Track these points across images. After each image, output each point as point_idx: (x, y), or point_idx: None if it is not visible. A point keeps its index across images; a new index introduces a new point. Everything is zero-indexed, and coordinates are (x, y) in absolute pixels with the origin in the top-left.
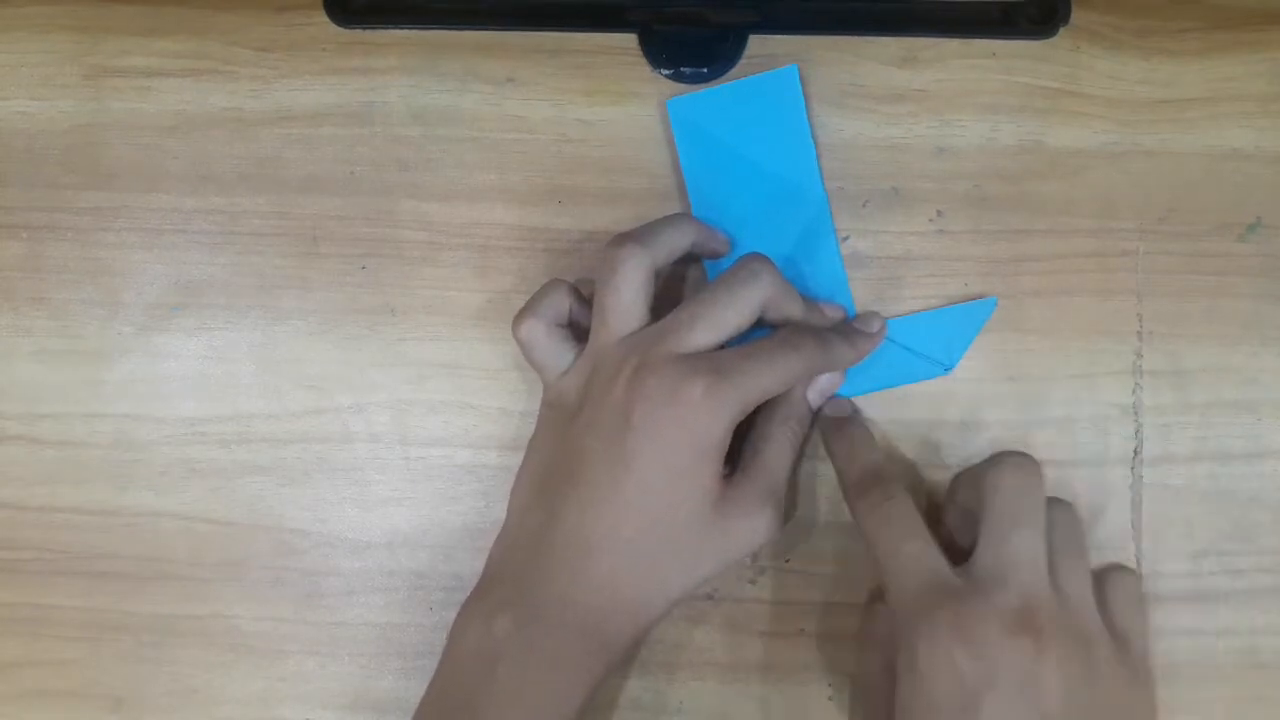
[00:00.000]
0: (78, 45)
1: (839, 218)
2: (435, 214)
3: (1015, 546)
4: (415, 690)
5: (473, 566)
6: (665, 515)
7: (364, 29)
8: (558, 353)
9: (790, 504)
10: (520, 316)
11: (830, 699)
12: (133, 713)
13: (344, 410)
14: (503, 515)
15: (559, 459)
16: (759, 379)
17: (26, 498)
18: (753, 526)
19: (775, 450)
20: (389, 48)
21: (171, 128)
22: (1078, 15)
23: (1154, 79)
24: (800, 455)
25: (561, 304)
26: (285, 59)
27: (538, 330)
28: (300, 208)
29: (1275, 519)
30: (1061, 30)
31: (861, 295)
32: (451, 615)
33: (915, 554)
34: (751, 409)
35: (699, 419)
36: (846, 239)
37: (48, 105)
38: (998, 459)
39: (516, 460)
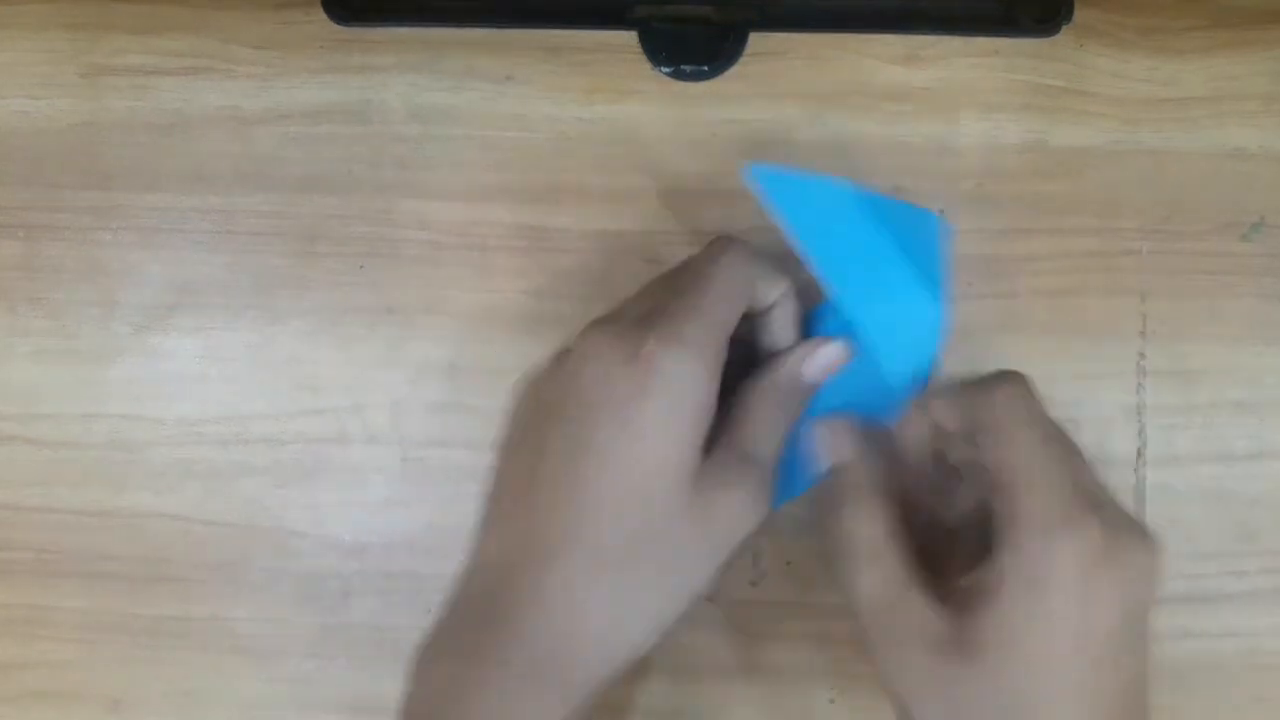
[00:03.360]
0: (75, 44)
1: None
2: (434, 213)
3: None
4: None
5: None
6: (635, 502)
7: (362, 27)
8: None
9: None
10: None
11: (832, 702)
12: (130, 714)
13: (342, 411)
14: None
15: (527, 466)
16: (714, 307)
17: (23, 498)
18: (735, 500)
19: (757, 419)
20: (387, 45)
21: (169, 126)
22: (1081, 13)
23: (1157, 77)
24: (789, 429)
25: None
26: (283, 57)
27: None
28: (298, 207)
29: (1277, 520)
30: (1064, 28)
31: None
32: None
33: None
34: (716, 352)
35: (671, 384)
36: None
37: (45, 104)
38: (995, 387)
39: None
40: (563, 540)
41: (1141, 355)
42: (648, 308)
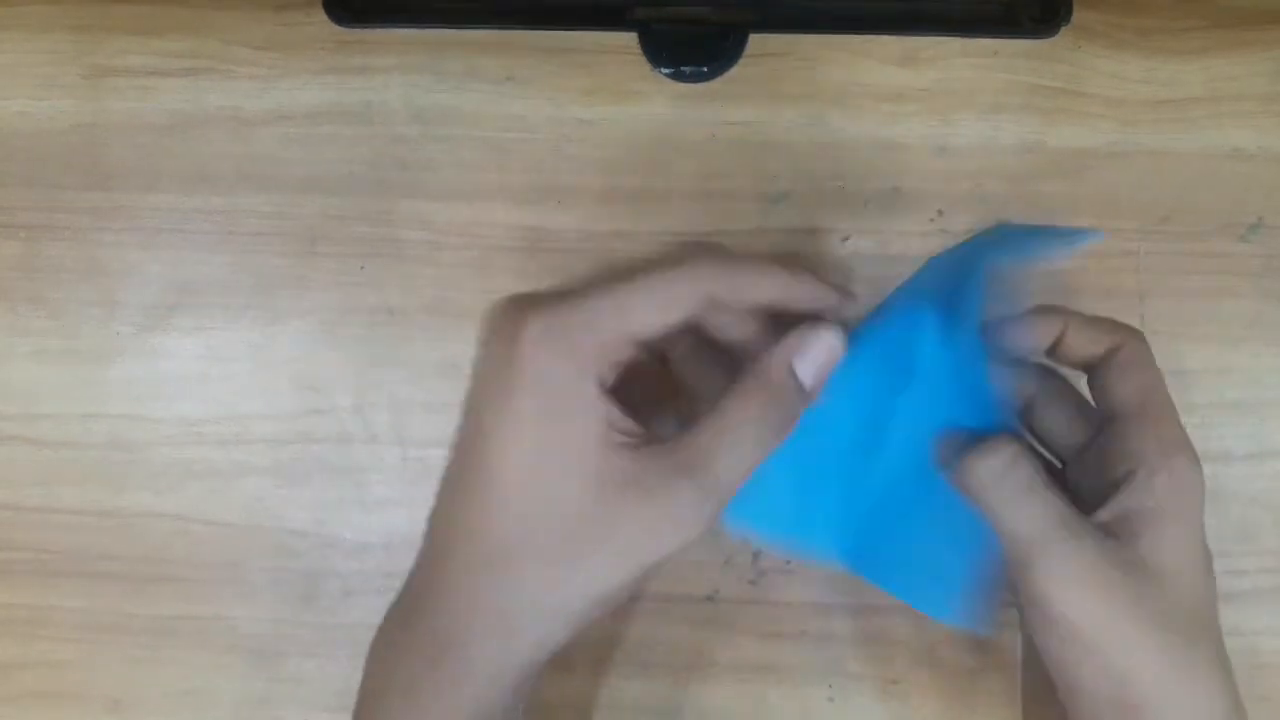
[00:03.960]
0: (76, 45)
1: (840, 217)
2: (435, 214)
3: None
4: None
5: None
6: (520, 494)
7: (363, 28)
8: None
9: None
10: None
11: (831, 700)
12: (130, 714)
13: (343, 411)
14: None
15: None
16: (614, 297)
17: (24, 498)
18: (649, 512)
19: (718, 424)
20: (388, 47)
21: (170, 127)
22: (1079, 14)
23: (1155, 78)
24: (770, 445)
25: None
26: (284, 58)
27: None
28: (299, 207)
29: (1277, 520)
30: (1063, 29)
31: (862, 295)
32: None
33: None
34: (623, 344)
35: (530, 367)
36: (847, 239)
37: (47, 105)
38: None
39: None
40: (461, 527)
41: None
42: (569, 288)
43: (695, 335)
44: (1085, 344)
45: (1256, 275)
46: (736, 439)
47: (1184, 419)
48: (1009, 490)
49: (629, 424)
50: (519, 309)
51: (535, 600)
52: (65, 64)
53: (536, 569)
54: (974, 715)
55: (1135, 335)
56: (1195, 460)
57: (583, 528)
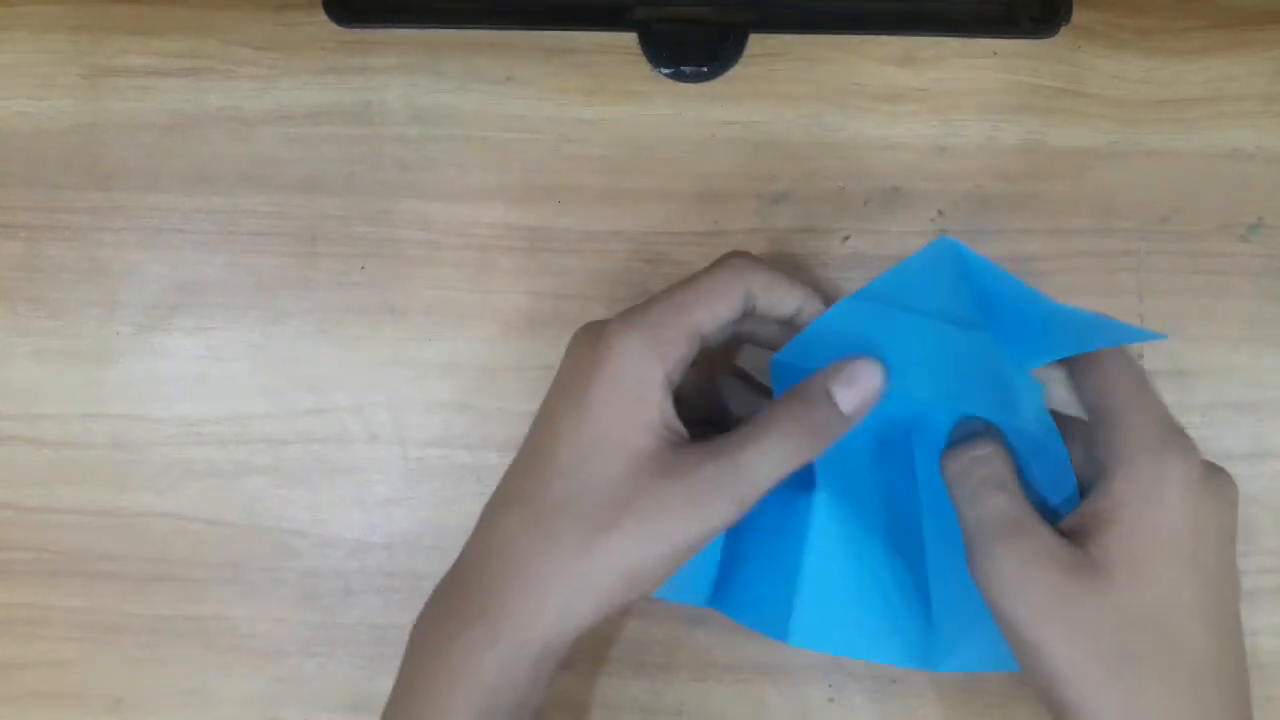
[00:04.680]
0: (76, 45)
1: (840, 217)
2: (435, 214)
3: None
4: None
5: None
6: (572, 468)
7: (363, 28)
8: None
9: None
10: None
11: (831, 700)
12: (131, 713)
13: (343, 410)
14: None
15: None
16: (677, 298)
17: (24, 498)
18: (676, 493)
19: (752, 426)
20: (388, 47)
21: (170, 127)
22: (1079, 14)
23: (1155, 78)
24: (799, 454)
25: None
26: (284, 58)
27: None
28: (299, 207)
29: (1277, 520)
30: (1063, 29)
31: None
32: None
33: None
34: (686, 349)
35: (613, 358)
36: (847, 239)
37: (47, 105)
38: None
39: None
40: (512, 498)
41: (1140, 355)
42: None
43: (739, 372)
44: None
45: (1256, 275)
46: (766, 440)
47: (1184, 419)
48: (974, 484)
49: (678, 424)
50: (602, 322)
51: (566, 567)
52: (65, 64)
53: (572, 537)
54: (974, 715)
55: None
56: (1172, 453)
57: (617, 501)
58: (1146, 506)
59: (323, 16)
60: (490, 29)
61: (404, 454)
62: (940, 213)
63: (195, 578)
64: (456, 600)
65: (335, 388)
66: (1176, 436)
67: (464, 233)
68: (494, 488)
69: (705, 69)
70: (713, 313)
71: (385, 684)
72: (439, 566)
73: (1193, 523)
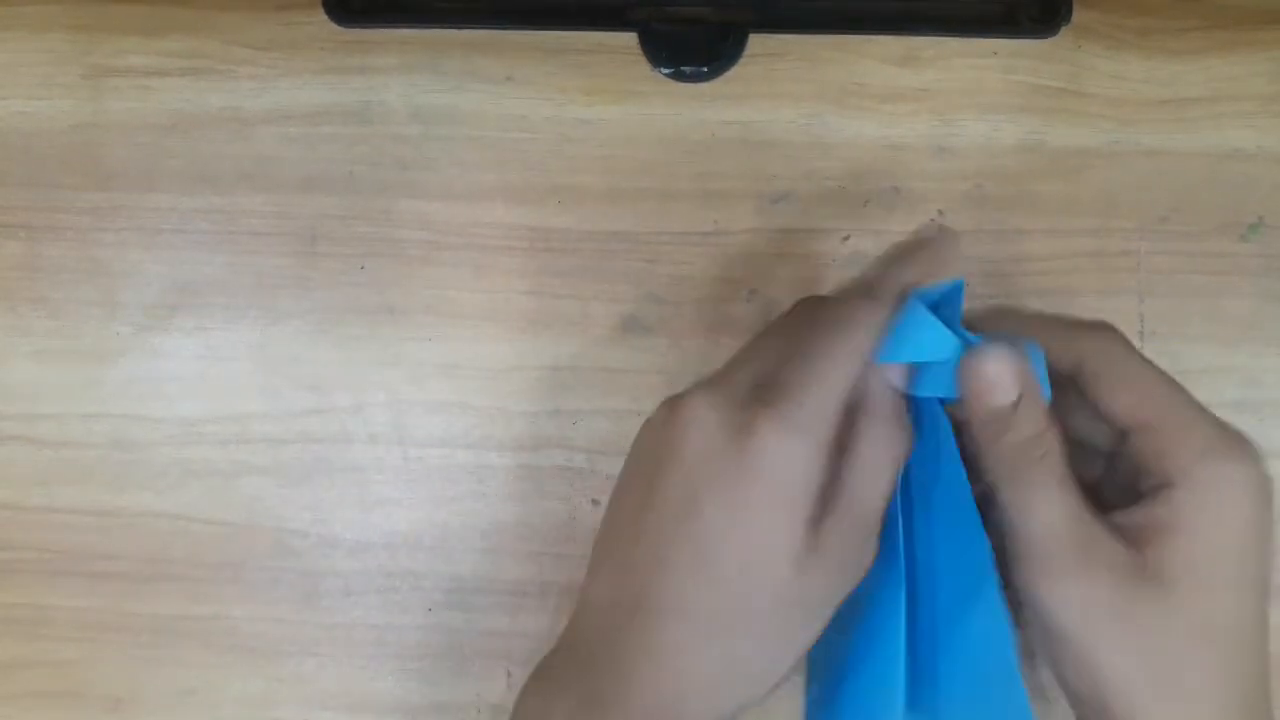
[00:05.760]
0: (76, 45)
1: (840, 218)
2: (435, 213)
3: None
4: (414, 691)
5: (472, 567)
6: (743, 578)
7: (363, 28)
8: None
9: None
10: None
11: None
12: (131, 713)
13: (343, 410)
14: (504, 516)
15: (634, 513)
16: (817, 370)
17: (24, 498)
18: (840, 564)
19: (861, 469)
20: (388, 47)
21: (170, 127)
22: (1079, 14)
23: (1155, 78)
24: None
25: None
26: (284, 58)
27: None
28: (299, 207)
29: (1278, 520)
30: (1063, 29)
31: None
32: (450, 615)
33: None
34: (830, 424)
35: (769, 458)
36: (847, 239)
37: (46, 105)
38: (1096, 332)
39: (517, 460)
40: (675, 603)
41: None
42: (756, 373)
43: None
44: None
45: (1256, 275)
46: (878, 476)
47: None
48: (1032, 472)
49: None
50: (745, 406)
51: (750, 669)
52: (65, 64)
53: (757, 641)
54: None
55: (1104, 339)
56: (1235, 461)
57: (793, 597)
58: (1211, 517)
59: (323, 16)
60: (490, 29)
61: (404, 454)
62: (940, 212)
63: (195, 578)
64: (625, 702)
65: (335, 388)
66: (1240, 441)
67: (464, 232)
68: (499, 491)
69: (705, 69)
70: (848, 380)
71: (385, 684)
72: (439, 567)
73: (1256, 535)
